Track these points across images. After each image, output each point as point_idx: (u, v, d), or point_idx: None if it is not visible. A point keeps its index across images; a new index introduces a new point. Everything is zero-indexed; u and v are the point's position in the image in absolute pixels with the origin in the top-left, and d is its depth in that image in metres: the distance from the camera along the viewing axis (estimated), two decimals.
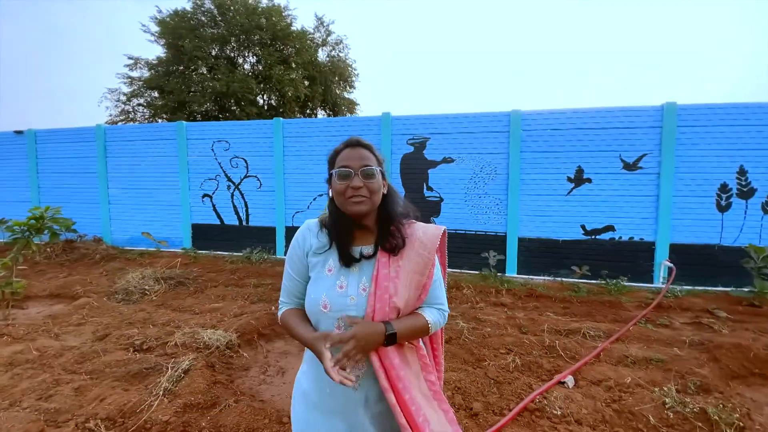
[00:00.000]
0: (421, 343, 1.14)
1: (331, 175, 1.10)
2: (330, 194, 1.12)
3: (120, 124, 14.88)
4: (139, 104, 15.46)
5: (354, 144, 1.10)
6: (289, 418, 2.23)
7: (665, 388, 2.46)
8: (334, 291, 1.05)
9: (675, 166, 4.97)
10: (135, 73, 14.91)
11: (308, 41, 16.10)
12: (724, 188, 4.88)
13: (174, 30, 14.17)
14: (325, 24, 16.86)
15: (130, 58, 14.64)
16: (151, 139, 6.89)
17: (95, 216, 7.26)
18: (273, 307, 4.03)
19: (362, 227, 1.12)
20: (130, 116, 15.40)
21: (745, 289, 4.40)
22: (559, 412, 2.30)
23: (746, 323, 3.74)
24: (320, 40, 16.99)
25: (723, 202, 4.89)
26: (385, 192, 1.12)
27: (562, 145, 5.30)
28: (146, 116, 15.49)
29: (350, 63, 17.81)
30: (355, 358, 0.95)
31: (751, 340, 3.22)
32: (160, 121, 15.16)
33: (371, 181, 1.06)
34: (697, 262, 5.00)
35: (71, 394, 2.44)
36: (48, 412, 2.25)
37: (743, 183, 4.81)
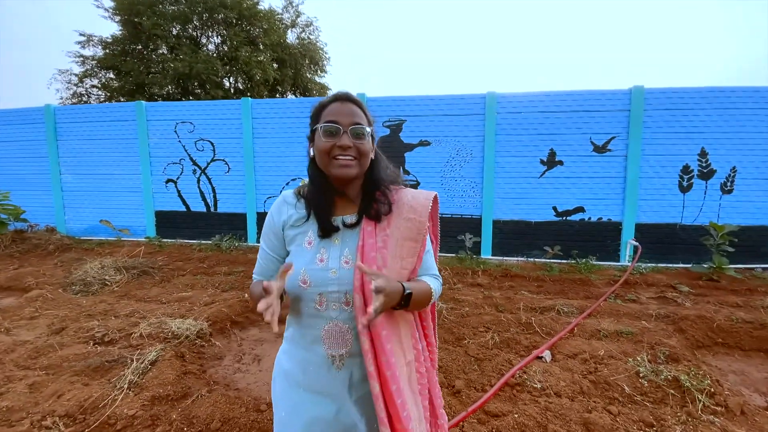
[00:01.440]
0: (418, 336, 1.05)
1: (314, 131, 0.98)
2: (311, 154, 1.00)
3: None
4: (93, 86, 14.42)
5: (344, 98, 0.97)
6: (268, 405, 2.15)
7: (638, 359, 2.54)
8: (313, 265, 0.95)
9: (641, 149, 5.13)
10: (87, 52, 13.86)
11: (276, 22, 15.47)
12: (686, 169, 5.09)
13: (130, 6, 13.20)
14: (294, 4, 16.25)
15: (81, 34, 13.55)
16: (106, 120, 6.41)
17: (47, 204, 6.74)
18: (246, 294, 3.88)
19: (344, 194, 1.02)
20: (83, 99, 14.36)
21: (705, 265, 4.64)
22: (539, 386, 2.33)
23: (707, 297, 3.94)
24: (289, 21, 16.38)
25: (685, 183, 5.11)
26: (373, 157, 1.02)
27: (536, 128, 5.35)
28: (101, 99, 14.50)
29: (321, 46, 17.32)
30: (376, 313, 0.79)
31: (713, 312, 3.39)
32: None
33: (361, 141, 0.95)
34: (660, 241, 5.23)
35: (25, 391, 2.23)
36: (0, 411, 2.04)
37: (704, 164, 5.03)
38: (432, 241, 1.12)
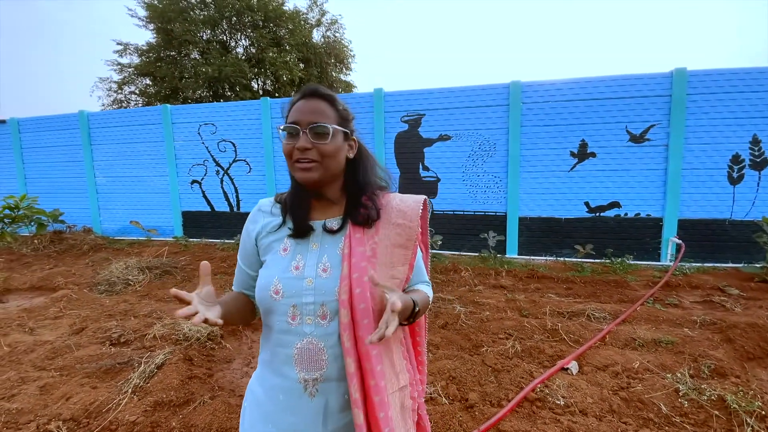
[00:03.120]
0: (410, 357, 0.97)
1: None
2: None
3: None
4: (131, 92, 15.12)
5: (309, 94, 0.88)
6: None
7: (678, 374, 2.26)
8: (287, 273, 0.85)
9: (684, 137, 4.68)
10: (124, 60, 14.52)
11: (302, 22, 15.58)
12: (736, 159, 4.60)
13: (162, 13, 13.70)
14: (318, 3, 16.29)
15: (118, 43, 14.22)
16: (134, 124, 6.64)
17: (84, 206, 7.07)
18: None
19: (322, 197, 0.92)
20: (123, 105, 15.08)
21: (757, 265, 4.17)
22: (562, 402, 2.11)
23: (759, 300, 3.53)
24: (314, 20, 16.44)
25: (735, 174, 4.62)
26: (351, 156, 0.93)
27: (565, 118, 5.01)
28: (140, 104, 15.17)
29: (346, 44, 17.29)
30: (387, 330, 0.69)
31: (766, 318, 3.01)
32: None
33: (322, 141, 0.84)
34: (706, 238, 4.76)
35: (36, 393, 2.27)
36: (9, 413, 2.08)
37: (756, 153, 4.52)
38: (422, 250, 1.02)
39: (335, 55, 17.04)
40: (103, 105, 15.10)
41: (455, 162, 5.39)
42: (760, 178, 4.53)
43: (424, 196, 0.96)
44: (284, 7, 15.15)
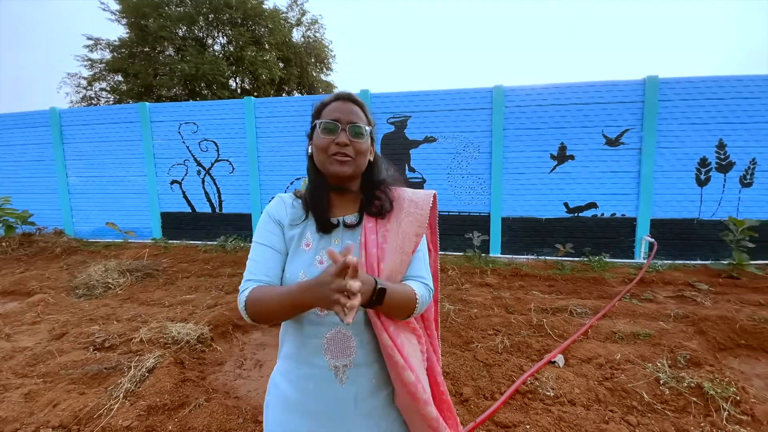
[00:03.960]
0: (421, 332, 0.99)
1: (314, 127, 0.96)
2: (309, 151, 0.98)
3: None
4: (102, 89, 14.55)
5: (345, 97, 0.97)
6: None
7: (658, 364, 2.40)
8: (312, 267, 0.90)
9: (656, 141, 4.93)
10: (95, 55, 13.98)
11: (281, 21, 15.42)
12: (703, 162, 4.88)
13: (136, 8, 13.27)
14: (298, 3, 16.17)
15: (89, 38, 13.67)
16: (110, 122, 6.41)
17: (55, 207, 6.77)
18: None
19: (343, 193, 0.99)
20: (93, 102, 14.50)
21: (724, 262, 4.44)
22: (551, 393, 2.21)
23: (727, 295, 3.76)
24: (294, 19, 16.31)
25: (702, 177, 4.90)
26: (371, 159, 1.00)
27: (545, 122, 5.18)
28: (110, 101, 14.62)
29: (326, 44, 17.23)
30: (349, 302, 0.66)
31: (735, 311, 3.22)
32: None
33: (359, 140, 0.93)
34: (676, 237, 5.03)
35: (20, 400, 2.18)
36: None
37: (722, 157, 4.82)
38: (430, 250, 1.07)
39: (315, 55, 16.97)
40: (71, 102, 14.49)
41: (440, 163, 5.48)
42: (725, 180, 4.83)
43: (434, 191, 1.02)
44: (263, 6, 14.95)
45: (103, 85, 14.52)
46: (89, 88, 14.26)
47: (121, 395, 2.17)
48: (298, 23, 16.49)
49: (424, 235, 0.99)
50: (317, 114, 0.97)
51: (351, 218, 0.97)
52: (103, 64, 13.97)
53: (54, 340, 2.95)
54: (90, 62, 13.81)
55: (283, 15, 15.72)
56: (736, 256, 4.28)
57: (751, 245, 4.33)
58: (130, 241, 6.47)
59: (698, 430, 1.86)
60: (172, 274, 4.75)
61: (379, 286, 0.79)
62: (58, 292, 3.97)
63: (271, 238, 0.95)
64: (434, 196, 1.01)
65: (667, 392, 2.13)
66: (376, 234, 0.94)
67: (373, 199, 0.98)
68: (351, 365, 0.89)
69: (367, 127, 0.95)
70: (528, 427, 1.93)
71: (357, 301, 0.65)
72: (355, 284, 0.64)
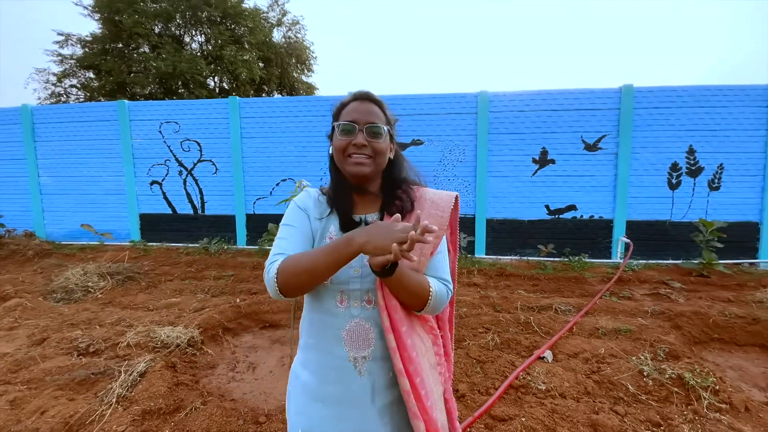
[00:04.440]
0: (434, 325, 1.02)
1: (333, 128, 0.98)
2: (330, 152, 1.00)
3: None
4: (72, 85, 13.97)
5: (363, 97, 0.98)
6: (267, 416, 2.06)
7: (641, 357, 2.53)
8: None
9: (631, 147, 5.18)
10: (66, 51, 13.41)
11: (262, 20, 15.24)
12: (674, 167, 5.16)
13: (110, 3, 12.82)
14: (279, 3, 16.03)
15: (60, 33, 13.11)
16: (87, 120, 6.18)
17: (25, 208, 6.46)
18: (237, 299, 3.76)
19: (364, 193, 1.00)
20: (62, 99, 13.90)
21: (695, 261, 4.70)
22: (543, 387, 2.29)
23: (699, 292, 3.99)
24: (275, 20, 16.15)
25: (674, 180, 5.18)
26: (392, 156, 1.02)
27: (528, 127, 5.35)
28: (81, 99, 14.06)
29: (308, 45, 17.13)
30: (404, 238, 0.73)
31: (707, 308, 3.42)
32: None
33: (377, 140, 0.95)
34: (650, 238, 5.29)
35: (6, 407, 2.09)
36: None
37: (692, 162, 5.11)
38: (450, 251, 1.08)
39: (296, 55, 16.84)
40: (39, 98, 13.85)
41: (427, 166, 5.56)
42: (695, 184, 5.12)
43: (456, 193, 1.03)
44: (243, 5, 14.74)
45: (74, 81, 13.95)
46: (58, 84, 13.68)
47: (114, 400, 2.12)
48: (279, 23, 16.33)
49: (444, 236, 1.01)
50: (336, 115, 1.00)
51: (372, 217, 0.99)
52: (74, 60, 13.43)
53: (35, 345, 2.83)
54: (60, 58, 13.25)
55: (264, 15, 15.54)
56: (706, 256, 4.54)
57: (719, 245, 4.61)
58: (106, 243, 6.24)
59: (681, 418, 1.98)
60: (155, 277, 4.62)
61: (392, 267, 0.81)
62: (34, 297, 3.80)
63: (298, 221, 0.98)
64: (456, 197, 1.02)
65: (651, 383, 2.26)
66: None
67: (394, 199, 0.99)
68: (369, 357, 0.91)
69: (385, 127, 0.96)
70: (524, 419, 2.00)
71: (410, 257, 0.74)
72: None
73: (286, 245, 0.93)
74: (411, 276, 0.86)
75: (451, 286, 0.98)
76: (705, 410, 2.01)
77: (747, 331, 3.03)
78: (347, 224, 0.96)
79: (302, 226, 0.98)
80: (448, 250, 1.08)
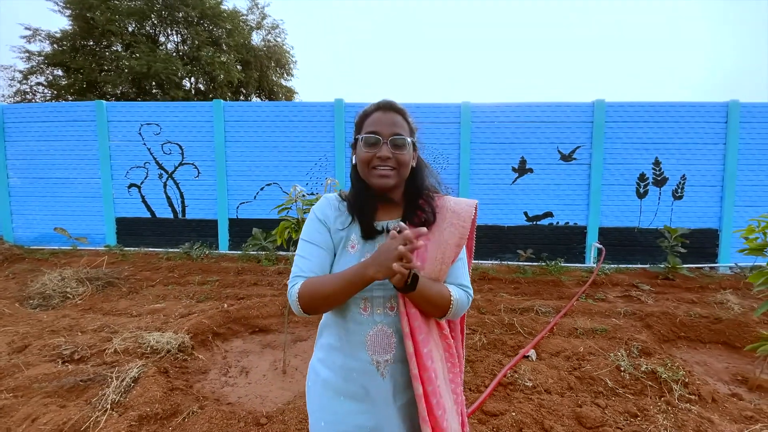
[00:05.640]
0: (447, 331, 1.06)
1: (356, 140, 1.00)
2: (353, 161, 1.03)
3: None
4: (38, 83, 13.36)
5: (386, 107, 1.00)
6: (268, 418, 2.09)
7: (618, 354, 2.71)
8: None
9: (603, 158, 5.49)
10: (34, 47, 12.83)
11: (241, 23, 15.10)
12: (642, 177, 5.50)
13: None
14: (259, 6, 15.94)
15: (27, 28, 12.52)
16: (62, 120, 5.97)
17: None
18: (225, 305, 3.74)
19: (387, 201, 1.03)
20: (28, 97, 13.25)
21: (661, 265, 5.02)
22: (530, 384, 2.43)
23: (666, 294, 4.28)
24: (255, 22, 16.03)
25: (641, 190, 5.52)
26: (414, 164, 1.04)
27: (508, 137, 5.59)
28: (47, 97, 13.46)
29: (288, 49, 17.07)
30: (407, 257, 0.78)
31: (674, 308, 3.69)
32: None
33: (401, 152, 0.97)
34: (620, 243, 5.60)
35: None
36: None
37: (658, 173, 5.47)
38: (466, 254, 1.13)
39: (276, 59, 16.74)
40: (3, 96, 13.17)
41: None
42: (660, 193, 5.48)
43: (476, 201, 1.07)
44: (222, 6, 14.56)
45: (41, 79, 13.35)
46: (24, 81, 13.05)
47: (108, 406, 2.09)
48: (259, 26, 16.22)
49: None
50: (359, 124, 1.02)
51: (393, 223, 1.00)
52: (42, 57, 12.86)
53: (15, 353, 2.73)
54: (27, 54, 12.66)
55: (243, 17, 15.40)
56: (671, 260, 4.87)
57: (683, 250, 4.95)
58: (80, 248, 6.01)
59: (656, 409, 2.15)
60: (136, 282, 4.51)
61: (413, 271, 0.84)
62: (10, 303, 3.64)
63: (317, 237, 1.00)
64: (476, 206, 1.05)
65: (627, 378, 2.44)
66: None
67: (416, 209, 1.01)
68: (391, 361, 0.96)
69: (409, 138, 0.98)
70: (514, 414, 2.12)
71: (414, 265, 0.80)
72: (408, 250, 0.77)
73: (306, 266, 0.97)
74: (432, 288, 0.91)
75: (471, 292, 1.03)
76: (677, 401, 2.19)
77: (711, 329, 3.29)
78: (369, 232, 0.99)
79: (322, 241, 1.00)
80: (465, 254, 1.12)
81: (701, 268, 5.33)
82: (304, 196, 2.69)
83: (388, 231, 1.00)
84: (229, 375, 2.74)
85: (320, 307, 0.93)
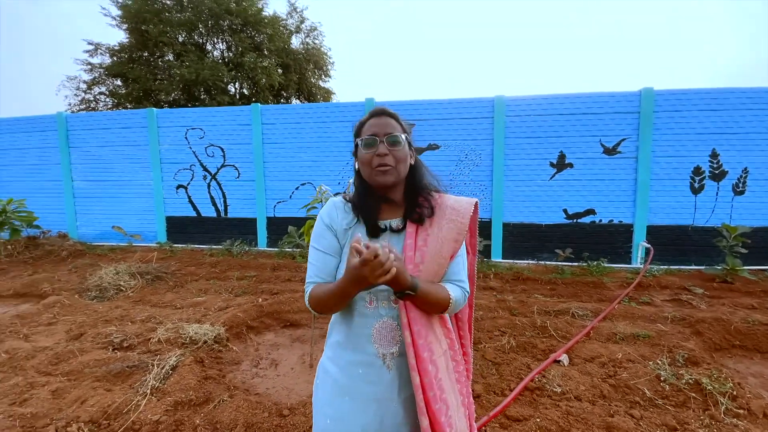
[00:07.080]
0: (450, 326, 1.07)
1: (356, 145, 1.08)
2: (356, 167, 1.09)
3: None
4: (101, 93, 14.61)
5: (379, 113, 1.07)
6: (290, 410, 2.16)
7: (658, 362, 2.53)
8: None
9: (652, 150, 5.12)
10: (95, 60, 14.04)
11: (281, 28, 15.61)
12: (697, 171, 5.07)
13: (137, 14, 13.38)
14: (298, 10, 16.39)
15: (89, 43, 13.74)
16: (118, 127, 6.49)
17: (59, 210, 6.81)
18: (260, 299, 3.90)
19: (389, 201, 1.08)
20: (92, 105, 14.54)
21: (718, 267, 4.61)
22: (558, 390, 2.33)
23: (722, 299, 3.92)
24: (294, 26, 16.51)
25: (696, 185, 5.09)
26: (412, 163, 1.10)
27: (545, 131, 5.35)
28: (109, 105, 14.67)
29: (325, 51, 17.43)
30: (380, 270, 0.80)
31: (729, 314, 3.37)
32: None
33: (397, 148, 1.03)
34: (672, 243, 5.20)
35: (48, 397, 2.26)
36: (24, 418, 2.07)
37: (715, 166, 5.01)
38: (468, 252, 1.14)
39: (314, 61, 17.15)
40: (70, 105, 14.52)
41: (443, 170, 5.62)
42: (718, 188, 5.02)
43: (476, 199, 1.10)
44: (263, 13, 15.13)
45: (102, 89, 14.58)
46: (88, 91, 14.31)
47: (148, 391, 2.26)
48: (298, 30, 16.69)
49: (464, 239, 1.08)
50: (357, 133, 1.09)
51: (396, 222, 1.06)
52: (103, 69, 14.04)
53: (72, 340, 3.02)
54: (90, 66, 13.87)
55: (283, 22, 15.91)
56: (730, 262, 4.45)
57: (743, 251, 4.50)
58: (135, 244, 6.52)
59: (698, 423, 1.98)
60: (181, 277, 4.82)
61: (411, 280, 0.90)
62: (70, 294, 4.03)
63: (323, 242, 1.06)
64: (476, 204, 1.08)
65: (668, 388, 2.26)
66: (415, 238, 1.02)
67: (415, 206, 1.06)
68: (397, 353, 1.00)
69: (402, 135, 1.04)
70: (538, 420, 2.04)
71: (390, 272, 0.81)
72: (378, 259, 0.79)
73: (315, 273, 1.05)
74: (431, 291, 0.95)
75: (467, 287, 1.06)
76: (722, 415, 2.01)
77: None
78: (373, 230, 1.04)
79: (327, 246, 1.06)
80: (467, 252, 1.15)
81: (765, 270, 4.82)
82: (328, 195, 2.74)
83: (391, 229, 1.05)
84: (260, 366, 2.86)
85: (328, 311, 1.01)
